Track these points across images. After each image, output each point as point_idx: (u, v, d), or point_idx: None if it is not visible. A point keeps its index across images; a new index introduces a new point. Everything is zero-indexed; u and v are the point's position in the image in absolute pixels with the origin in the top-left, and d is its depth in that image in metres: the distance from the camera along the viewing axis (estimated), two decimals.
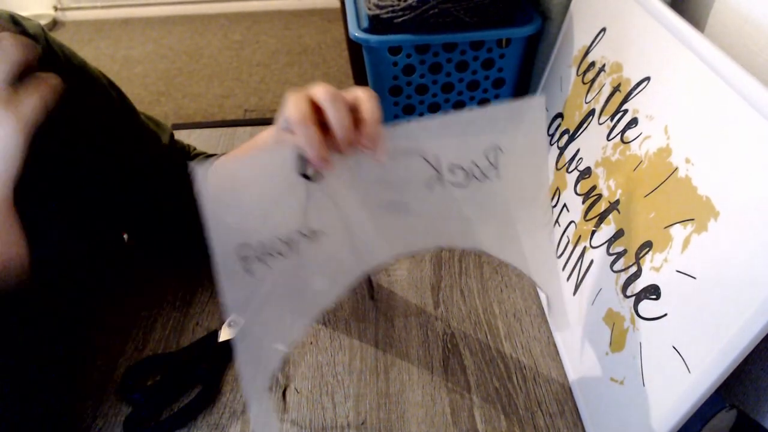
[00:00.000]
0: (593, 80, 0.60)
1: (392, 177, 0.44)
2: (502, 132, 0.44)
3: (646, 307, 0.45)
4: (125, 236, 0.71)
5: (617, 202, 0.52)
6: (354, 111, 0.40)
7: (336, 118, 0.38)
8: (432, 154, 0.43)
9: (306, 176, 0.40)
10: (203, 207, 0.38)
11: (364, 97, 0.40)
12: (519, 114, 0.44)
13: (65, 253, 0.55)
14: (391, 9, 0.66)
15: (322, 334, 0.62)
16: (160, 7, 3.29)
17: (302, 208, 0.42)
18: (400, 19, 0.66)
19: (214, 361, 0.58)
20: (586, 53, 0.62)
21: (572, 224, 0.60)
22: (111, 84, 0.59)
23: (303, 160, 0.39)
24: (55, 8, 3.25)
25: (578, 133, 0.62)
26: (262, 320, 0.45)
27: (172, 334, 0.61)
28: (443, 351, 0.60)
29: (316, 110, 0.39)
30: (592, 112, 0.59)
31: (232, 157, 0.58)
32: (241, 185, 0.40)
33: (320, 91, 0.39)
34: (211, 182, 0.38)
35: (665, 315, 0.43)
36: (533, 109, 0.44)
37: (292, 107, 0.38)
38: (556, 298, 0.51)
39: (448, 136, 0.43)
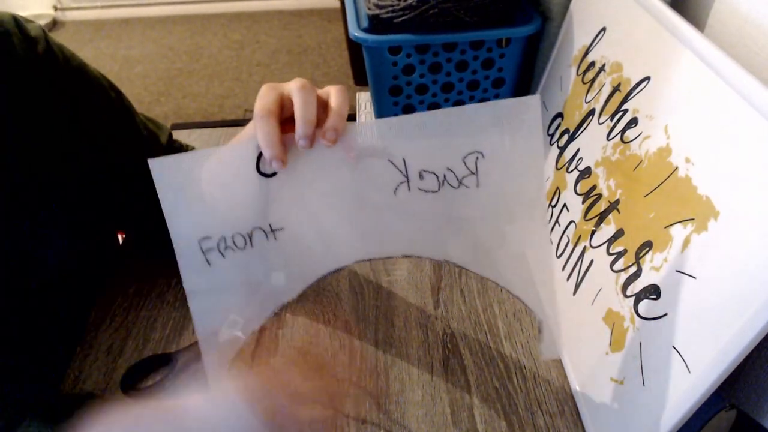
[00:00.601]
0: (593, 80, 0.60)
1: (357, 178, 0.41)
2: (485, 135, 0.39)
3: (646, 306, 0.45)
4: (122, 236, 0.72)
5: (617, 201, 0.52)
6: (325, 108, 0.39)
7: (301, 109, 0.37)
8: (400, 158, 0.40)
9: (266, 173, 0.40)
10: (161, 199, 0.38)
11: (333, 90, 0.39)
12: (507, 115, 0.39)
13: (65, 253, 0.55)
14: (391, 9, 0.66)
15: (322, 334, 0.62)
16: (160, 7, 3.29)
17: (262, 204, 0.41)
18: (400, 19, 0.66)
19: None
20: (586, 53, 0.62)
21: (572, 224, 0.60)
22: (110, 85, 0.59)
23: (262, 157, 0.38)
24: (55, 8, 3.25)
25: (578, 133, 0.62)
26: (221, 308, 0.45)
27: (172, 334, 0.61)
28: (443, 351, 0.60)
29: (289, 106, 0.39)
30: (592, 112, 0.59)
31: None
32: (205, 179, 0.39)
33: (292, 84, 0.38)
34: (172, 175, 0.38)
35: (665, 315, 0.43)
36: (527, 109, 0.38)
37: (258, 101, 0.38)
38: (550, 322, 0.46)
39: (421, 138, 0.39)
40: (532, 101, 0.38)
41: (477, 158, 0.40)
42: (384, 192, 0.42)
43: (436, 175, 0.40)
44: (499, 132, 0.39)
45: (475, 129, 0.39)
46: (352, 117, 0.92)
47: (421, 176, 0.40)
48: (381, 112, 0.76)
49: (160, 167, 0.37)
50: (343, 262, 0.50)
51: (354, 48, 0.82)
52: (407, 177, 0.41)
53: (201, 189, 0.39)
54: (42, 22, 3.04)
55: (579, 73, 0.63)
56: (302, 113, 0.37)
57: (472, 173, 0.40)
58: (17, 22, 0.50)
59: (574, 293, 0.57)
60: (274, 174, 0.40)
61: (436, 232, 0.45)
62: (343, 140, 0.38)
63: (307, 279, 0.51)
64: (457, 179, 0.41)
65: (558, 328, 0.46)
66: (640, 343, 0.45)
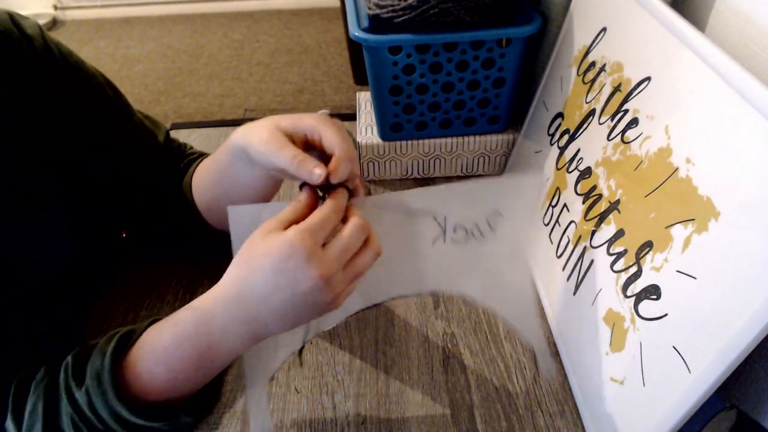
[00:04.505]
0: (594, 80, 0.60)
1: (406, 233, 0.50)
2: (504, 199, 0.50)
3: (647, 307, 0.45)
4: (124, 234, 0.71)
5: (618, 202, 0.52)
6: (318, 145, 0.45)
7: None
8: (442, 216, 0.50)
9: None
10: (233, 240, 0.44)
11: (335, 138, 0.44)
12: (521, 186, 0.52)
13: (65, 253, 0.55)
14: (391, 8, 0.66)
15: (322, 334, 0.62)
16: (160, 6, 3.29)
17: None
18: (400, 19, 0.66)
19: None
20: (587, 53, 0.62)
21: (572, 224, 0.59)
22: (107, 82, 0.59)
23: None
24: (55, 7, 3.25)
25: (579, 133, 0.62)
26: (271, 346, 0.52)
27: None
28: (443, 351, 0.60)
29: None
30: (592, 112, 0.59)
31: (207, 167, 0.61)
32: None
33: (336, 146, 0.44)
34: (248, 221, 0.43)
35: (665, 315, 0.43)
36: (532, 185, 0.53)
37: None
38: (539, 345, 0.55)
39: (461, 201, 0.50)
40: (538, 178, 0.54)
41: (497, 217, 0.51)
42: (426, 243, 0.51)
43: (466, 230, 0.51)
44: (515, 197, 0.51)
45: (498, 195, 0.51)
46: (351, 116, 0.92)
47: (455, 230, 0.51)
48: (381, 111, 0.76)
49: (238, 214, 0.44)
50: (380, 299, 0.62)
51: (354, 48, 0.82)
52: (444, 231, 0.51)
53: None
54: (42, 21, 3.04)
55: (579, 73, 0.63)
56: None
57: (492, 229, 0.51)
58: (13, 19, 0.49)
59: (575, 293, 0.57)
60: None
61: (458, 274, 0.55)
62: (400, 202, 0.47)
63: (347, 313, 0.62)
64: (480, 232, 0.52)
65: (548, 354, 0.56)
66: (640, 343, 0.45)
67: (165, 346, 0.43)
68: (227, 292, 0.42)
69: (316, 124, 0.44)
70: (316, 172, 0.41)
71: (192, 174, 0.61)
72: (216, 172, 0.57)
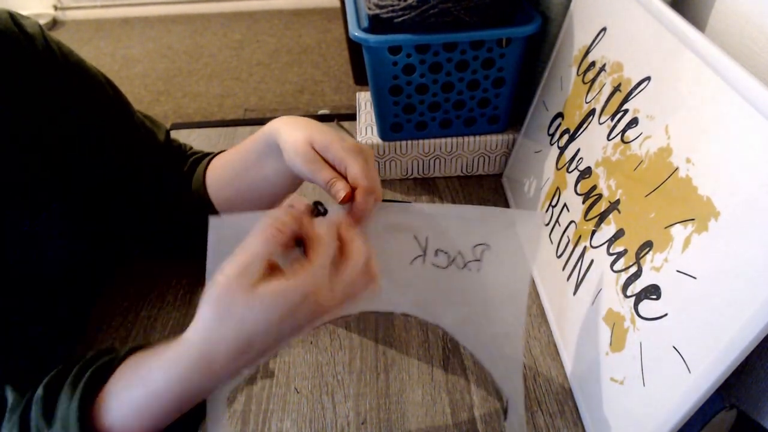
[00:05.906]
0: (594, 80, 0.60)
1: (383, 245, 0.45)
2: (496, 233, 0.47)
3: (647, 307, 0.45)
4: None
5: (617, 202, 0.52)
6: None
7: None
8: (424, 236, 0.47)
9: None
10: (209, 253, 0.42)
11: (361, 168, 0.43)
12: (516, 222, 0.47)
13: (66, 253, 0.55)
14: (391, 8, 0.66)
15: (322, 334, 0.62)
16: (160, 7, 3.29)
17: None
18: (400, 19, 0.66)
19: None
20: (587, 53, 0.62)
21: (572, 224, 0.60)
22: (108, 82, 0.59)
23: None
24: (55, 7, 3.25)
25: (579, 133, 0.62)
26: None
27: (172, 334, 0.61)
28: (443, 351, 0.60)
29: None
30: (592, 112, 0.59)
31: (230, 160, 0.59)
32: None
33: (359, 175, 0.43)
34: (228, 233, 0.40)
35: (665, 315, 0.43)
36: (533, 221, 0.48)
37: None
38: (516, 402, 0.51)
39: (446, 224, 0.47)
40: (538, 218, 0.47)
41: (484, 249, 0.47)
42: (402, 261, 0.49)
43: (448, 255, 0.48)
44: (507, 233, 0.47)
45: (490, 226, 0.47)
46: (351, 116, 0.92)
47: (436, 253, 0.48)
48: (381, 111, 0.76)
49: (219, 225, 0.41)
50: (350, 312, 0.57)
51: (354, 48, 0.82)
52: (425, 252, 0.48)
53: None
54: (42, 21, 3.04)
55: (579, 73, 0.63)
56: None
57: (477, 260, 0.48)
58: (14, 18, 0.49)
59: (575, 293, 0.57)
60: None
61: (435, 302, 0.52)
62: (380, 214, 0.43)
63: (316, 325, 0.57)
64: (464, 262, 0.48)
65: (523, 409, 0.52)
66: (640, 343, 0.45)
67: (138, 406, 0.38)
68: (217, 353, 0.36)
69: (345, 156, 0.44)
70: (340, 195, 0.42)
71: (204, 170, 0.61)
72: (241, 164, 0.57)
